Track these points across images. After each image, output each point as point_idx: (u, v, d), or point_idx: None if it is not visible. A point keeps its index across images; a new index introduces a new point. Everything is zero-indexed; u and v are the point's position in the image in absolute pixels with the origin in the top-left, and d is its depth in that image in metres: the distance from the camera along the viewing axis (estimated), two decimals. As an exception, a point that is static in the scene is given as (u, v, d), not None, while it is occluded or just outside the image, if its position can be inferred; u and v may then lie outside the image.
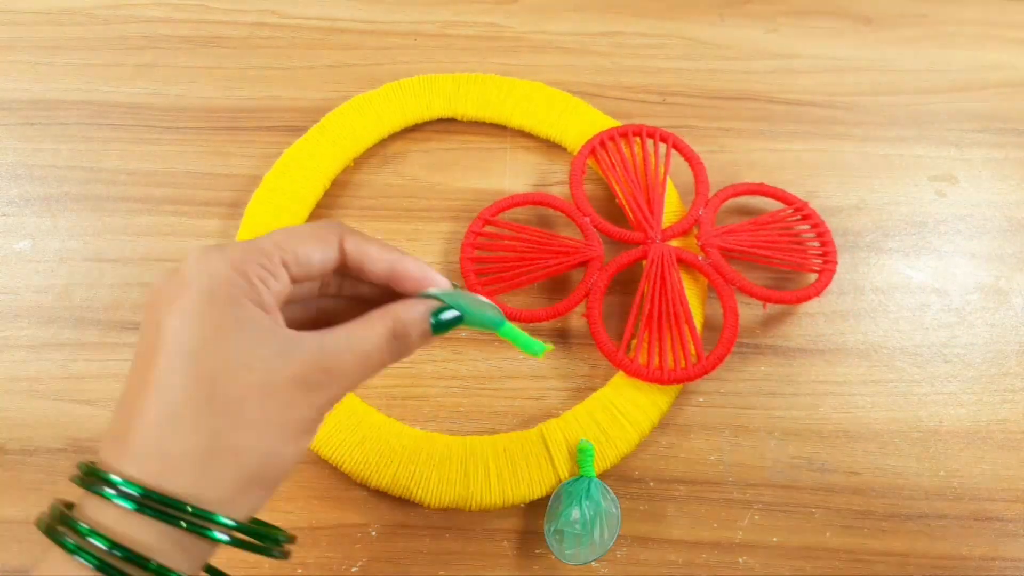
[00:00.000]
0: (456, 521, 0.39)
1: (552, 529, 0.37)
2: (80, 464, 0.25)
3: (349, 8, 0.53)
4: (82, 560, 0.23)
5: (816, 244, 0.45)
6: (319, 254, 0.28)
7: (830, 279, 0.44)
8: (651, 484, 0.40)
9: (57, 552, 0.24)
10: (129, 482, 0.24)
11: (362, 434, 0.39)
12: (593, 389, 0.42)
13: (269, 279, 0.27)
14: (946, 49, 0.54)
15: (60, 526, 0.24)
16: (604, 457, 0.39)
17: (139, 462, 0.24)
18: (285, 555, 0.27)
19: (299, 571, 0.38)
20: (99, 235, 0.45)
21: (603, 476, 0.40)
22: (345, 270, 0.30)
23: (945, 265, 0.47)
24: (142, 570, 0.24)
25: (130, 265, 0.44)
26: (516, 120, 0.48)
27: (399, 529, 0.39)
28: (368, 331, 0.28)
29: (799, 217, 0.46)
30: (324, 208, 0.46)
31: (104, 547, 0.23)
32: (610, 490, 0.38)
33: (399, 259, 0.29)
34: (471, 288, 0.42)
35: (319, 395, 0.26)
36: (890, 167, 0.49)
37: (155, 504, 0.24)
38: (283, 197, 0.44)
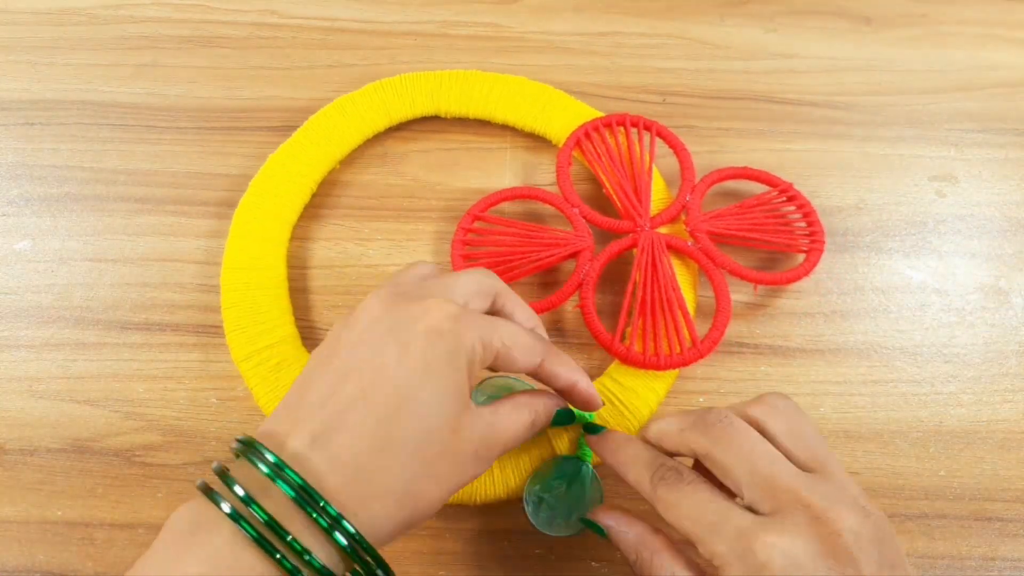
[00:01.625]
0: (456, 521, 0.39)
1: (533, 490, 0.37)
2: (273, 461, 0.26)
3: (349, 8, 0.53)
4: (244, 529, 0.24)
5: (803, 224, 0.45)
6: (522, 360, 0.31)
7: (818, 258, 0.44)
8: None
9: (217, 517, 0.25)
10: (331, 506, 0.25)
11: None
12: (591, 379, 0.42)
13: (482, 355, 0.29)
14: (946, 49, 0.54)
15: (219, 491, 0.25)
16: None
17: (340, 477, 0.26)
18: None
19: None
20: (99, 235, 0.45)
21: (600, 471, 0.40)
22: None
23: (945, 265, 0.47)
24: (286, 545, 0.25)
25: (130, 265, 0.44)
26: (500, 115, 0.48)
27: (399, 529, 0.39)
28: (519, 417, 0.32)
29: (784, 199, 0.46)
30: (323, 208, 0.46)
31: (262, 519, 0.25)
32: (601, 483, 0.38)
33: (581, 378, 0.34)
34: None
35: (481, 466, 0.30)
36: (890, 167, 0.49)
37: (342, 530, 0.26)
38: (270, 202, 0.44)
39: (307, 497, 0.25)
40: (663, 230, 0.45)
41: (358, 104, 0.47)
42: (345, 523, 0.25)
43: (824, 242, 0.44)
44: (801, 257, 0.45)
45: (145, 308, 0.43)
